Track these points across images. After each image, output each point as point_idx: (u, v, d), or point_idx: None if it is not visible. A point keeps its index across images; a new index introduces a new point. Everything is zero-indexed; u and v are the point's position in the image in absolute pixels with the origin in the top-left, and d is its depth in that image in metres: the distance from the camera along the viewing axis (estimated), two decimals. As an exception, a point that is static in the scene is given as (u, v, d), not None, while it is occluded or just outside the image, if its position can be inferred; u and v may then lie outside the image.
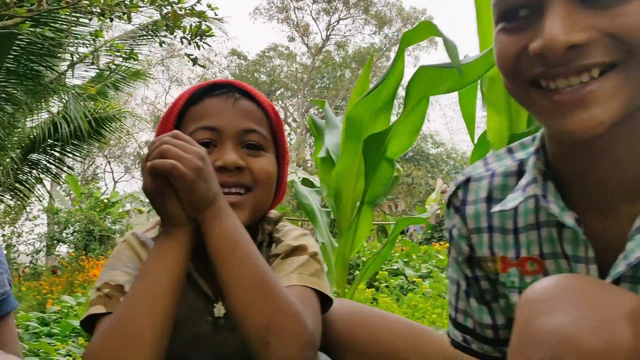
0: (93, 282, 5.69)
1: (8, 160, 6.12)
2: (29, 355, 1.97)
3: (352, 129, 2.06)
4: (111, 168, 22.86)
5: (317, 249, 0.95)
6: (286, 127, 26.14)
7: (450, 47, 1.51)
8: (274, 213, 1.02)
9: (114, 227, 10.26)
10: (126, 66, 6.96)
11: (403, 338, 0.87)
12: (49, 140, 6.78)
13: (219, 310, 0.90)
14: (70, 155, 7.87)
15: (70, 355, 1.95)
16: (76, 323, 2.38)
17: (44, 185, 8.28)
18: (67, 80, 6.23)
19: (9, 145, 6.00)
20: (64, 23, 5.20)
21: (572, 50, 0.56)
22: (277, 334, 0.74)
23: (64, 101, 6.40)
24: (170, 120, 0.94)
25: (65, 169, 8.30)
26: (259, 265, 0.79)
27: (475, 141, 2.00)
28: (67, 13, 4.28)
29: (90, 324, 0.82)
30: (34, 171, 7.52)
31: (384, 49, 25.36)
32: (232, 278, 0.78)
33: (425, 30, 1.75)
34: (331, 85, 24.67)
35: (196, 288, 0.91)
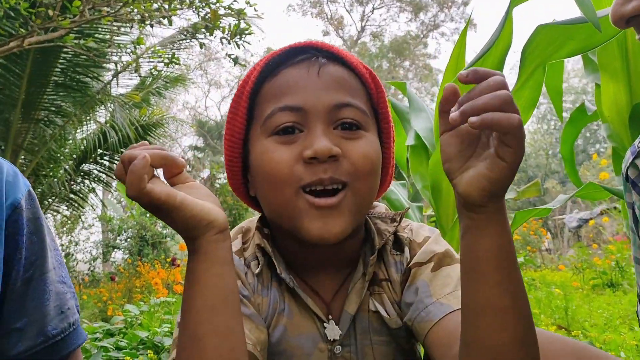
0: (150, 287, 5.75)
1: (62, 171, 6.26)
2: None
3: (450, 109, 1.72)
4: (157, 173, 23.36)
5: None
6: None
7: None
8: (383, 207, 0.84)
9: (164, 231, 10.42)
10: (167, 72, 7.03)
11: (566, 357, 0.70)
12: (98, 150, 6.91)
13: (333, 331, 0.74)
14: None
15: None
16: (142, 334, 2.33)
17: (96, 194, 8.48)
18: (112, 89, 6.33)
19: (62, 157, 6.13)
20: (106, 33, 5.26)
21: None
22: None
23: (111, 110, 6.51)
24: (243, 102, 0.74)
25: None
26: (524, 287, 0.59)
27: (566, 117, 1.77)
28: (109, 22, 4.30)
29: None
30: (87, 181, 7.70)
31: (421, 35, 24.85)
32: (507, 301, 0.57)
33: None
34: (369, 77, 24.34)
35: (305, 309, 0.76)
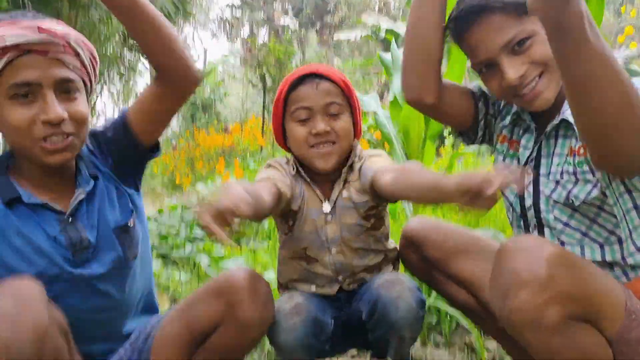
0: (210, 156, 6.30)
1: (111, 51, 6.53)
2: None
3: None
4: (199, 36, 23.06)
5: None
6: None
7: None
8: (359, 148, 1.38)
9: (212, 96, 10.83)
10: None
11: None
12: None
13: (326, 207, 1.30)
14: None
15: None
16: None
17: (144, 64, 8.83)
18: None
19: (110, 37, 6.36)
20: None
21: None
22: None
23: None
24: (279, 103, 1.29)
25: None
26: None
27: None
28: None
29: None
30: (135, 53, 8.00)
31: None
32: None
33: None
34: None
35: (314, 194, 1.31)
